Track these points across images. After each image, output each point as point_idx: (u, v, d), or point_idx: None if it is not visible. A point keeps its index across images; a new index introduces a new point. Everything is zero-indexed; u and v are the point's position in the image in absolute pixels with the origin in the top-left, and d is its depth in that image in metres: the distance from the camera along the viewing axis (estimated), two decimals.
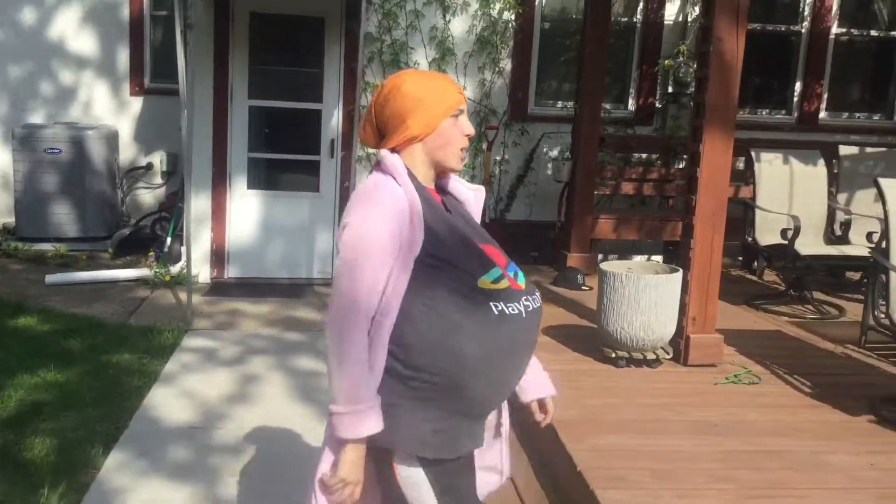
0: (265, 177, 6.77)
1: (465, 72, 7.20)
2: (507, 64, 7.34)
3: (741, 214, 5.71)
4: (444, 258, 1.86)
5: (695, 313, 4.21)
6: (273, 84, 6.69)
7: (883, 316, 3.84)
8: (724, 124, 4.12)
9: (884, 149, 6.50)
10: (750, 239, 5.71)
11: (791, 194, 5.77)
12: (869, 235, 5.28)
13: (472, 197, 2.08)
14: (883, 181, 3.96)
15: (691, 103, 4.94)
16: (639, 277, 4.06)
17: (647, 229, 6.59)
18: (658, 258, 6.59)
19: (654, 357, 4.17)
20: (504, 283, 1.89)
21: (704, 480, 3.05)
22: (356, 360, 1.82)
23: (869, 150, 6.37)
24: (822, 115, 7.83)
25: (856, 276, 6.27)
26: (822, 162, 5.93)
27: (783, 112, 7.90)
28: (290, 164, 6.82)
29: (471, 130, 1.97)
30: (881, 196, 3.90)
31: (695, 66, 6.13)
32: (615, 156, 7.36)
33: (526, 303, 1.91)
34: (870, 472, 3.19)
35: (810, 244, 5.50)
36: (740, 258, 6.94)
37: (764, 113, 7.90)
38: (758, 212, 5.64)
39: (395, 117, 1.91)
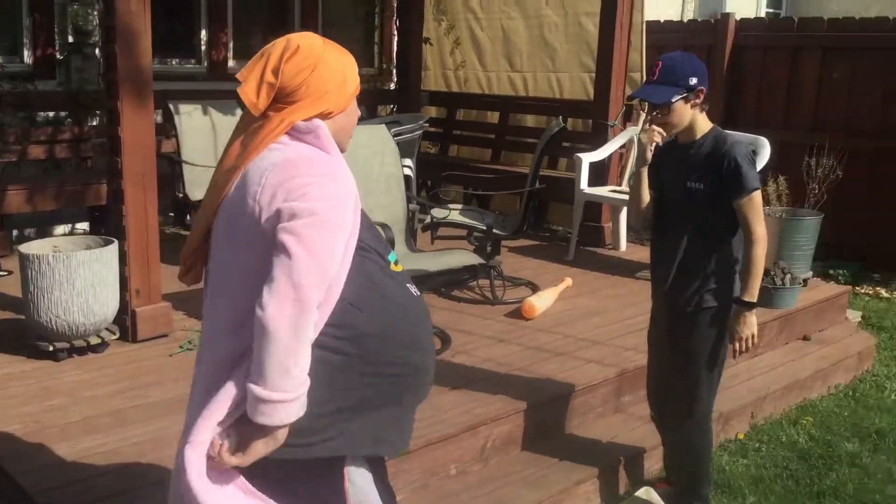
0: None
1: None
2: None
3: (167, 170, 5.49)
4: (368, 242, 1.85)
5: (138, 285, 3.91)
6: None
7: None
8: (141, 77, 3.81)
9: None
10: (181, 195, 5.55)
11: (216, 146, 5.74)
12: None
13: None
14: None
15: (98, 54, 4.48)
16: (69, 256, 3.59)
17: (67, 196, 5.93)
18: (84, 226, 6.02)
19: (98, 341, 3.77)
20: (399, 266, 1.92)
21: None
22: (310, 338, 1.66)
23: None
24: (231, 63, 7.96)
25: None
26: (238, 111, 6.00)
27: (193, 61, 7.82)
28: None
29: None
30: None
31: (97, 12, 5.61)
32: (17, 116, 6.45)
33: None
34: None
35: None
36: (172, 214, 6.75)
37: (175, 62, 7.71)
38: (185, 166, 5.50)
39: (314, 87, 1.79)
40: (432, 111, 8.32)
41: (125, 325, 3.94)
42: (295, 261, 1.64)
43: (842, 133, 6.96)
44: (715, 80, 7.63)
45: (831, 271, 6.81)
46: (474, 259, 4.07)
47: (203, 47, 7.80)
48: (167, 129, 6.06)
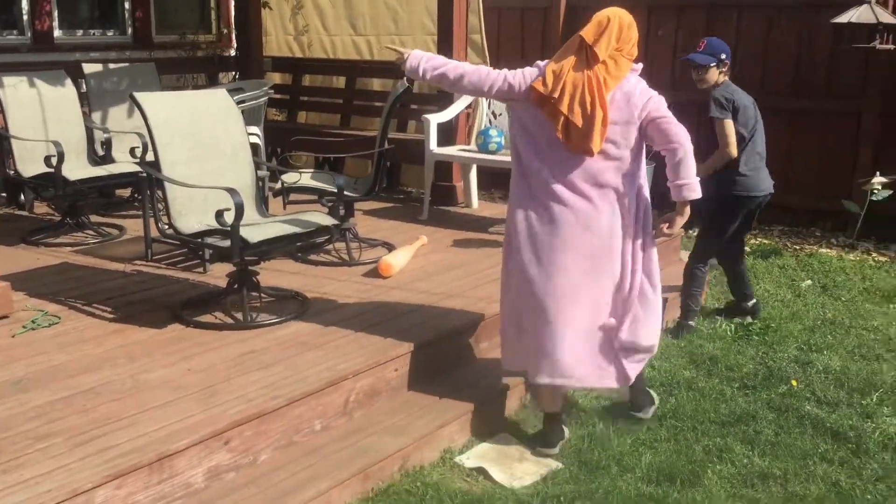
0: None
1: None
2: None
3: None
4: None
5: None
6: None
7: (167, 226, 3.94)
8: None
9: (125, 64, 6.57)
10: (12, 172, 5.24)
11: (45, 119, 5.44)
12: (132, 151, 5.33)
13: None
14: (139, 95, 3.97)
15: None
16: None
17: None
18: None
19: None
20: None
21: (26, 444, 2.75)
22: None
23: (112, 66, 6.37)
24: (57, 33, 7.50)
25: (126, 192, 6.33)
26: (68, 82, 5.70)
27: (16, 32, 7.31)
28: None
29: None
30: (141, 110, 3.91)
31: None
32: None
33: None
34: (189, 376, 3.31)
35: (76, 168, 5.30)
36: (4, 194, 6.34)
37: None
38: (14, 142, 5.18)
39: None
40: (276, 77, 8.19)
41: None
42: None
43: (670, 88, 7.38)
44: (551, 40, 7.91)
45: None
46: (328, 220, 4.08)
47: (25, 17, 7.31)
48: None
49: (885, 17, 5.90)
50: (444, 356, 3.88)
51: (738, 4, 7.11)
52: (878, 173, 6.19)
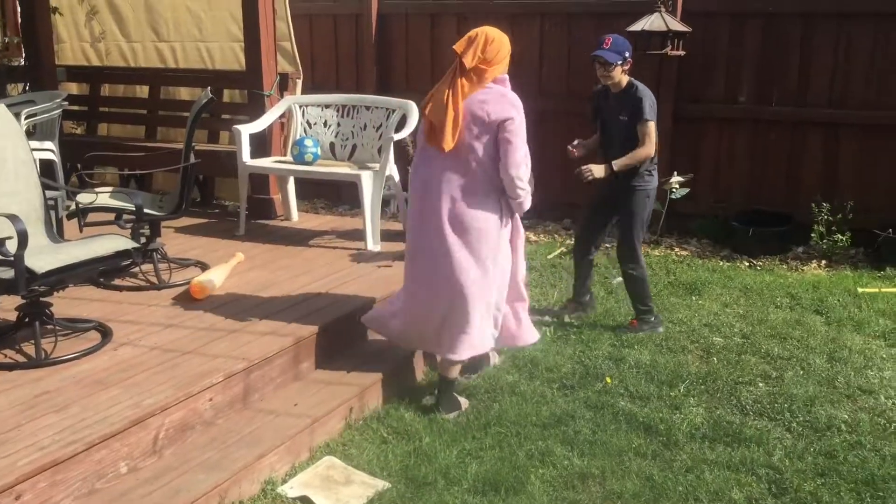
0: None
1: None
2: None
3: None
4: None
5: None
6: None
7: None
8: None
9: None
10: None
11: None
12: None
13: None
14: None
15: None
16: None
17: None
18: None
19: None
20: None
21: None
22: None
23: None
24: None
25: None
26: None
27: None
28: None
29: None
30: None
31: None
32: None
33: None
34: None
35: None
36: None
37: None
38: None
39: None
40: (73, 88, 7.62)
41: None
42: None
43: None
44: (365, 48, 7.86)
45: None
46: (126, 243, 3.79)
47: None
48: None
49: (675, 25, 6.28)
50: (262, 381, 3.71)
51: (541, 13, 7.33)
52: (675, 173, 6.57)
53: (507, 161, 3.67)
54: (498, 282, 3.91)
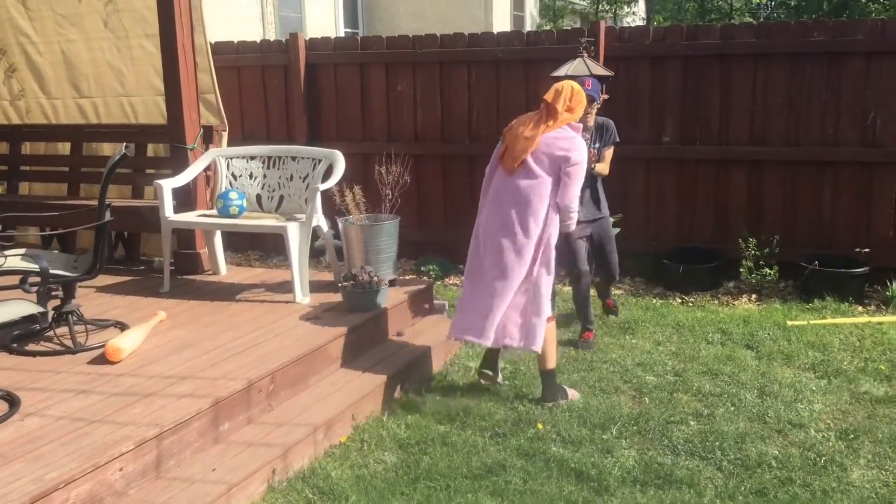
0: None
1: None
2: None
3: None
4: None
5: None
6: None
7: None
8: None
9: None
10: None
11: None
12: None
13: None
14: None
15: None
16: None
17: None
18: None
19: None
20: None
21: None
22: None
23: None
24: None
25: None
26: None
27: None
28: None
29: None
30: None
31: None
32: None
33: None
34: None
35: None
36: None
37: None
38: None
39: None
40: None
41: None
42: None
43: (412, 141, 7.54)
44: (294, 97, 7.81)
45: (423, 268, 7.34)
46: (31, 308, 3.63)
47: None
48: None
49: (598, 70, 6.37)
50: (178, 446, 3.55)
51: (468, 61, 7.39)
52: None
53: (566, 192, 4.38)
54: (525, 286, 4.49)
